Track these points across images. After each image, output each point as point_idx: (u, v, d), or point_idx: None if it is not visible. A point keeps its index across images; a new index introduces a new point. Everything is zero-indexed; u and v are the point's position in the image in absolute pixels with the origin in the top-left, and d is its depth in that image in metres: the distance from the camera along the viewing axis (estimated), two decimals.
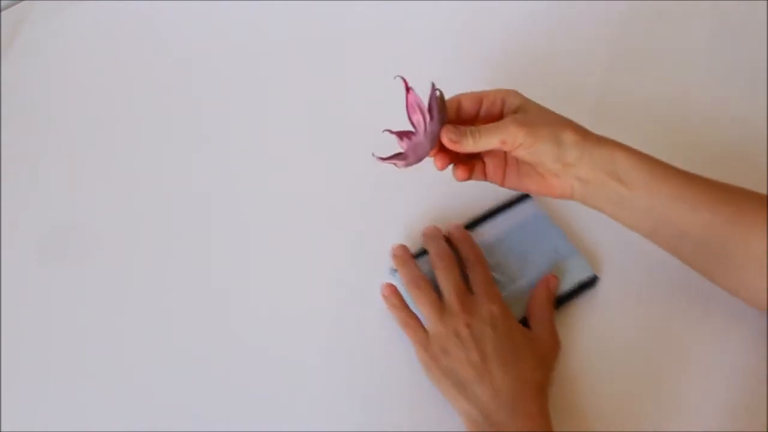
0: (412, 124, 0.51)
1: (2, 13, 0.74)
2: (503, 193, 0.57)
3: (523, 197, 0.59)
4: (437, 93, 0.50)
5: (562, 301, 0.54)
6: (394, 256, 0.56)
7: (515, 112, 0.51)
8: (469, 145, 0.49)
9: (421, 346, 0.51)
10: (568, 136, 0.49)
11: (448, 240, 0.56)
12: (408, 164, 0.52)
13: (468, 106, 0.52)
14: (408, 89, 0.51)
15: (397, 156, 0.52)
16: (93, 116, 0.68)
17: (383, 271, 0.57)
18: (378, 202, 0.61)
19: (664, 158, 0.58)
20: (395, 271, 0.56)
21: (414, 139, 0.51)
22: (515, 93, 0.51)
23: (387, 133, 0.51)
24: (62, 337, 0.56)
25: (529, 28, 0.72)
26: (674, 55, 0.71)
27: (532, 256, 0.55)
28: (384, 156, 0.51)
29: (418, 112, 0.51)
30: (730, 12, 0.73)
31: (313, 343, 0.55)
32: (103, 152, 0.66)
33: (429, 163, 0.52)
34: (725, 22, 0.72)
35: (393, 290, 0.55)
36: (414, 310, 0.53)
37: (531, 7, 0.73)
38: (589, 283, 0.55)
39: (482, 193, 0.58)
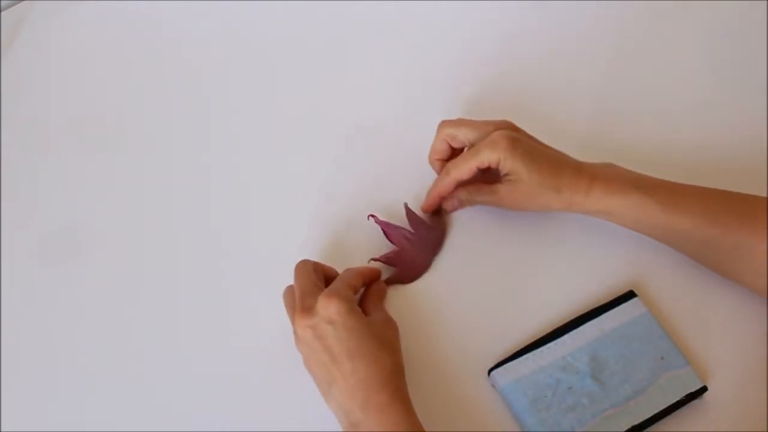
0: (396, 245, 0.58)
1: (2, 13, 0.74)
2: (606, 291, 0.56)
3: (628, 296, 0.56)
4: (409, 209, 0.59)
5: (667, 412, 0.51)
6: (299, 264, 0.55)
7: (507, 175, 0.55)
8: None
9: (296, 345, 0.52)
10: (556, 205, 0.55)
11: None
12: (409, 281, 0.58)
13: (465, 177, 0.57)
14: (377, 221, 0.58)
15: (393, 277, 0.57)
16: (93, 116, 0.68)
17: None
18: (379, 202, 0.61)
19: (662, 158, 0.58)
20: None
21: (403, 256, 0.58)
22: (505, 155, 0.54)
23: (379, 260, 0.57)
24: (62, 337, 0.56)
25: (528, 28, 0.72)
26: (674, 54, 0.71)
27: (637, 363, 0.53)
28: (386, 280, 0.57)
29: (396, 234, 0.58)
30: (730, 12, 0.73)
31: None
32: (103, 152, 0.66)
33: None
34: (725, 22, 0.72)
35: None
36: None
37: (531, 7, 0.73)
38: (697, 394, 0.52)
39: (584, 290, 0.57)
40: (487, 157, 0.55)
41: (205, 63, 0.71)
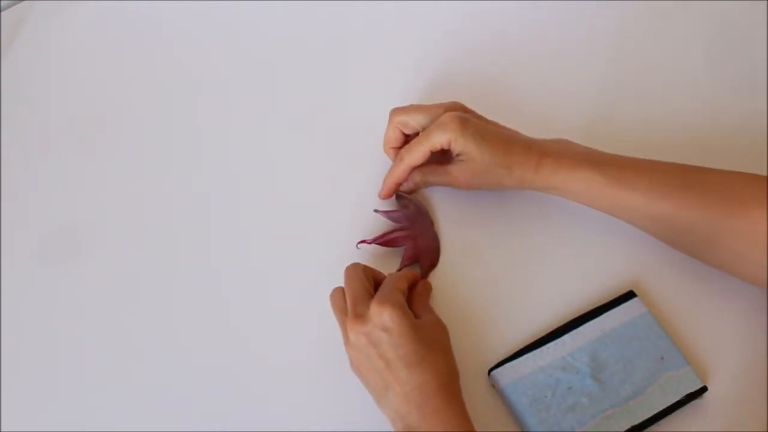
0: (403, 245, 0.58)
1: (2, 13, 0.74)
2: (606, 291, 0.56)
3: (628, 296, 0.56)
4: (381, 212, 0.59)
5: (667, 412, 0.51)
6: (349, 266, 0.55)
7: (458, 155, 0.56)
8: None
9: (347, 348, 0.52)
10: (507, 182, 0.56)
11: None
12: (437, 258, 0.58)
13: (418, 162, 0.58)
14: (371, 242, 0.58)
15: (425, 269, 0.58)
16: (93, 116, 0.68)
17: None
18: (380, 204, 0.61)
19: (661, 158, 0.58)
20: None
21: (417, 248, 0.58)
22: (456, 135, 0.55)
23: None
24: (62, 337, 0.56)
25: (528, 27, 0.72)
26: (674, 54, 0.71)
27: (637, 363, 0.53)
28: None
29: (396, 238, 0.58)
30: (730, 12, 0.73)
31: (314, 343, 0.56)
32: (103, 152, 0.66)
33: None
34: (725, 22, 0.72)
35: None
36: None
37: (530, 7, 0.73)
38: (697, 394, 0.52)
39: (585, 290, 0.57)
40: (438, 139, 0.56)
41: (205, 63, 0.71)
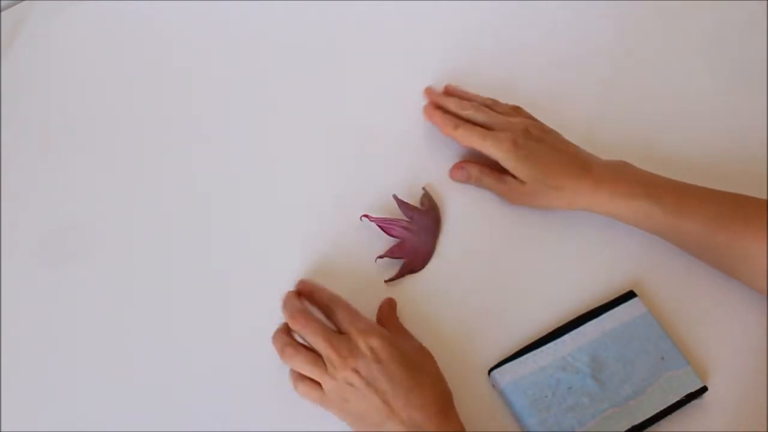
0: (397, 237, 0.58)
1: (2, 13, 0.74)
2: (607, 291, 0.57)
3: (628, 296, 0.56)
4: (398, 198, 0.59)
5: (667, 412, 0.51)
6: (285, 307, 0.53)
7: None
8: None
9: (323, 401, 0.50)
10: (559, 204, 0.57)
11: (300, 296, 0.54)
12: (421, 266, 0.58)
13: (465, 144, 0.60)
14: (372, 220, 0.58)
15: (405, 268, 0.57)
16: (93, 116, 0.68)
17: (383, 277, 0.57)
18: (382, 206, 0.61)
19: (662, 158, 0.58)
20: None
21: (407, 245, 0.58)
22: (507, 156, 0.57)
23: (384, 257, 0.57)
24: (62, 337, 0.56)
25: (528, 28, 0.72)
26: (673, 54, 0.71)
27: (637, 363, 0.53)
28: (393, 276, 0.57)
29: (394, 227, 0.58)
30: (730, 12, 0.73)
31: None
32: (103, 152, 0.66)
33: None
34: (725, 21, 0.72)
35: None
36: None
37: (530, 7, 0.73)
38: (697, 394, 0.52)
39: (584, 290, 0.57)
40: (489, 152, 0.57)
41: (206, 63, 0.71)
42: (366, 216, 0.58)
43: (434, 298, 0.57)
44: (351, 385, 0.48)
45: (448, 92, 0.65)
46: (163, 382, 0.54)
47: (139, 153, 0.66)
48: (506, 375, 0.53)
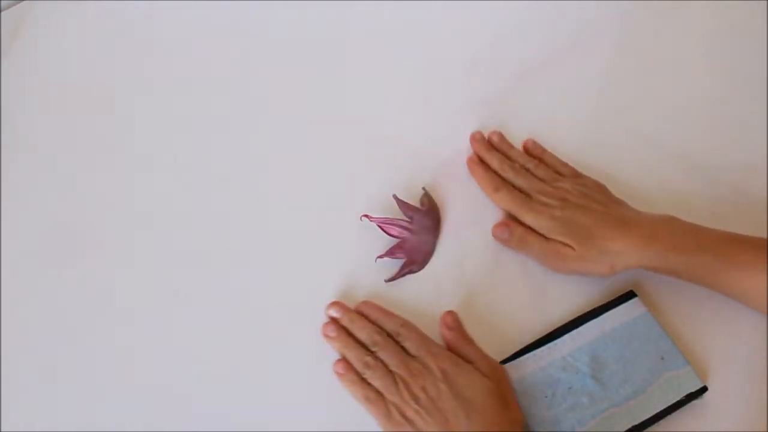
0: (397, 237, 0.58)
1: (2, 13, 0.74)
2: (606, 291, 0.56)
3: (628, 296, 0.56)
4: (397, 198, 0.59)
5: (667, 412, 0.51)
6: (327, 336, 0.55)
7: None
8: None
9: (384, 417, 0.50)
10: (603, 270, 0.54)
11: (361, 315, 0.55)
12: (420, 267, 0.58)
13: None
14: (372, 220, 0.58)
15: (404, 268, 0.58)
16: (93, 116, 0.68)
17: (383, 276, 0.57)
18: (382, 206, 0.61)
19: (662, 165, 0.58)
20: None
21: (407, 245, 0.58)
22: (547, 225, 0.56)
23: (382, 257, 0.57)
24: (62, 337, 0.56)
25: (527, 28, 0.72)
26: (674, 56, 0.71)
27: (638, 364, 0.53)
28: (393, 276, 0.57)
29: (392, 226, 0.58)
30: (730, 12, 0.73)
31: (316, 345, 0.56)
32: (103, 152, 0.66)
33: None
34: (725, 22, 0.72)
35: (347, 366, 0.53)
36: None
37: (529, 7, 0.73)
38: (697, 394, 0.52)
39: (584, 290, 0.57)
40: (528, 223, 0.57)
41: (206, 63, 0.71)
42: (366, 216, 0.58)
43: (435, 300, 0.57)
44: (417, 401, 0.49)
45: (492, 144, 0.63)
46: (163, 383, 0.54)
47: (139, 152, 0.66)
48: None
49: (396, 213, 0.60)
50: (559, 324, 0.55)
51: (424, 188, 0.61)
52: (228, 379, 0.54)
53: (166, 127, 0.67)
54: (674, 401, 0.51)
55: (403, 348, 0.52)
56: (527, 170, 0.61)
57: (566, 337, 0.54)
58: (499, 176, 0.60)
